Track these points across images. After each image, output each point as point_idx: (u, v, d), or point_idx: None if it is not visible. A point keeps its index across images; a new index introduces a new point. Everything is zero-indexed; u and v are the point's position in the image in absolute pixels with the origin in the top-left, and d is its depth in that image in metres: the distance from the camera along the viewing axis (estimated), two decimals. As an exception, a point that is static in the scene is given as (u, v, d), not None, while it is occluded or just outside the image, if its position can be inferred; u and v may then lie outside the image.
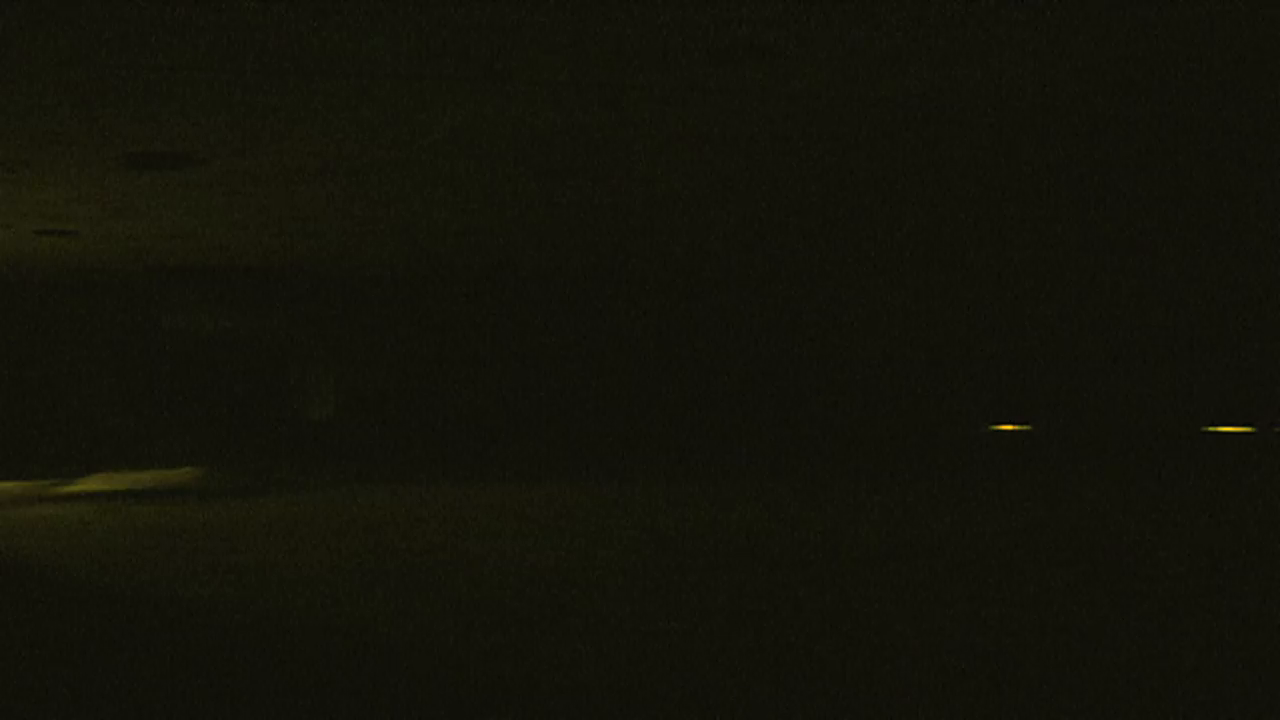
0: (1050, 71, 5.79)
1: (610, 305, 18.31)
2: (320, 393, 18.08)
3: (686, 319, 18.47)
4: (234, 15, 4.68)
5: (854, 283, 16.92)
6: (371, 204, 9.77)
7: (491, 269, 15.00)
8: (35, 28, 4.82)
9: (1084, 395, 17.86)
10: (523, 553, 8.56)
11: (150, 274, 15.12)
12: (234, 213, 10.15)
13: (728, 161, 8.10)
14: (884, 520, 10.11)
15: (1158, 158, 8.18)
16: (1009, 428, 18.21)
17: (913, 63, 5.59)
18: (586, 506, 11.33)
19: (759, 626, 6.08)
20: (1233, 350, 17.16)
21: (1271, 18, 4.92)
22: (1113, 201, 10.05)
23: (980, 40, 5.22)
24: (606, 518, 10.48)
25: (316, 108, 6.36)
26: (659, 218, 10.72)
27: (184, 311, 17.50)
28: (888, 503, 11.34)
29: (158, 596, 7.05)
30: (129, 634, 6.06)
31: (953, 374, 18.24)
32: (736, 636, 5.86)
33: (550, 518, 10.51)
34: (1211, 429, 17.34)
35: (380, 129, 6.94)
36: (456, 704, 4.74)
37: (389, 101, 6.25)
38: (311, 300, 17.78)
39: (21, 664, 5.47)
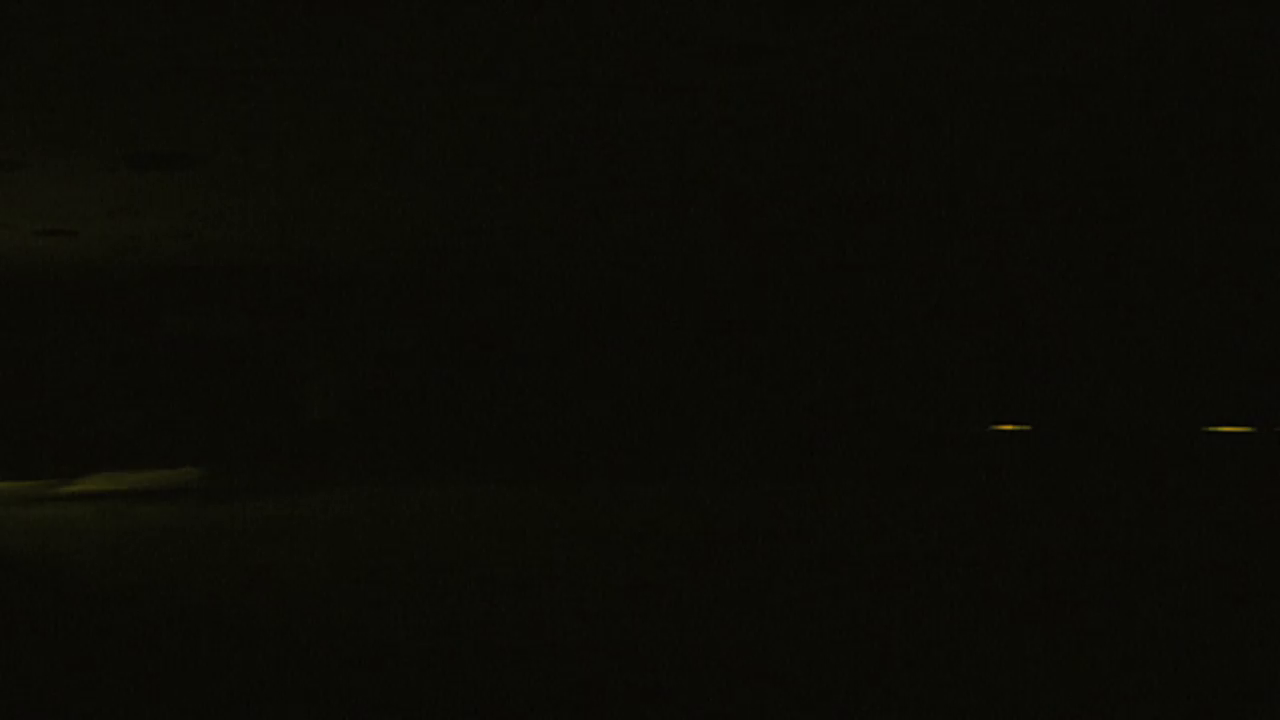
0: (1054, 67, 5.80)
1: (610, 305, 18.31)
2: (320, 393, 18.07)
3: (687, 319, 18.47)
4: (234, 14, 4.68)
5: (854, 283, 16.92)
6: (372, 204, 9.77)
7: (492, 269, 15.01)
8: (36, 27, 4.82)
9: (1084, 395, 17.86)
10: (523, 554, 8.56)
11: (150, 274, 15.11)
12: (234, 213, 10.15)
13: (726, 161, 8.10)
14: (884, 520, 10.11)
15: (1158, 157, 8.18)
16: (1009, 428, 18.21)
17: (901, 53, 5.59)
18: (588, 507, 11.33)
19: (746, 627, 6.08)
20: (1233, 350, 17.16)
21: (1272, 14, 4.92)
22: (1114, 200, 10.05)
23: (982, 33, 5.22)
24: (607, 519, 10.48)
25: (316, 108, 6.36)
26: (656, 218, 10.73)
27: (184, 312, 17.49)
28: (887, 503, 11.33)
29: (157, 597, 7.05)
30: (128, 634, 6.06)
31: (953, 374, 18.25)
32: (724, 636, 5.86)
33: (552, 520, 10.52)
34: (1211, 429, 17.34)
35: (380, 128, 6.95)
36: (454, 706, 4.74)
37: (388, 101, 6.25)
38: (311, 300, 17.78)
39: (21, 664, 5.47)
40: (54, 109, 6.27)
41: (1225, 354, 17.22)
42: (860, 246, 12.95)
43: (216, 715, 4.61)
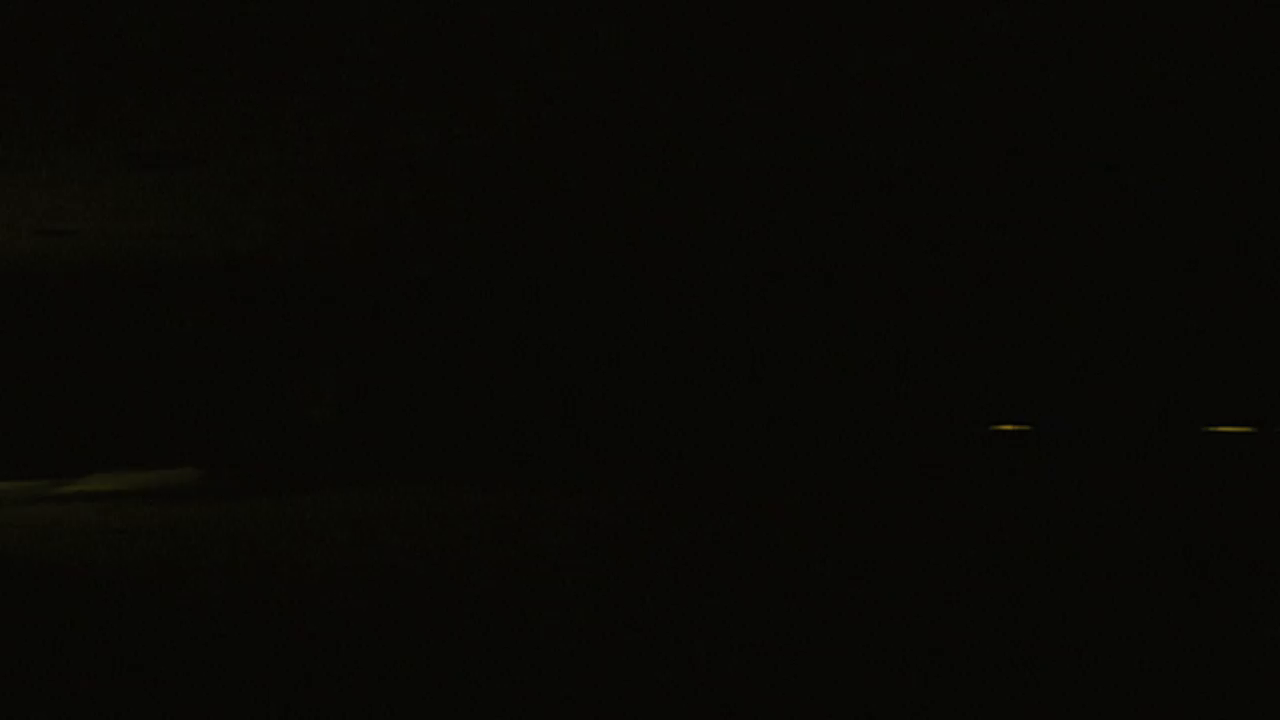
0: (1059, 65, 5.80)
1: (612, 306, 18.30)
2: (320, 393, 18.07)
3: (690, 319, 18.47)
4: (234, 12, 4.68)
5: (853, 282, 16.92)
6: (372, 205, 9.77)
7: (493, 269, 15.01)
8: (34, 26, 4.82)
9: (1084, 395, 17.85)
10: (521, 555, 8.56)
11: (150, 274, 15.11)
12: (234, 213, 10.15)
13: (726, 160, 8.10)
14: (881, 520, 10.10)
15: (1158, 157, 8.18)
16: (1009, 428, 18.20)
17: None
18: (586, 507, 11.32)
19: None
20: (1233, 350, 17.15)
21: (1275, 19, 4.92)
22: (1113, 200, 10.05)
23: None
24: (609, 519, 10.48)
25: (318, 107, 6.36)
26: (655, 217, 10.73)
27: (184, 312, 17.49)
28: (886, 502, 11.33)
29: (158, 597, 7.05)
30: (128, 634, 6.06)
31: (953, 374, 18.24)
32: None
33: (550, 520, 10.51)
34: (1211, 429, 17.33)
35: (381, 128, 6.95)
36: (454, 705, 4.74)
37: (389, 99, 6.25)
38: (311, 300, 17.77)
39: (21, 663, 5.47)
40: (54, 109, 6.27)
41: (1225, 354, 17.21)
42: (860, 246, 12.96)
43: (215, 713, 4.61)
